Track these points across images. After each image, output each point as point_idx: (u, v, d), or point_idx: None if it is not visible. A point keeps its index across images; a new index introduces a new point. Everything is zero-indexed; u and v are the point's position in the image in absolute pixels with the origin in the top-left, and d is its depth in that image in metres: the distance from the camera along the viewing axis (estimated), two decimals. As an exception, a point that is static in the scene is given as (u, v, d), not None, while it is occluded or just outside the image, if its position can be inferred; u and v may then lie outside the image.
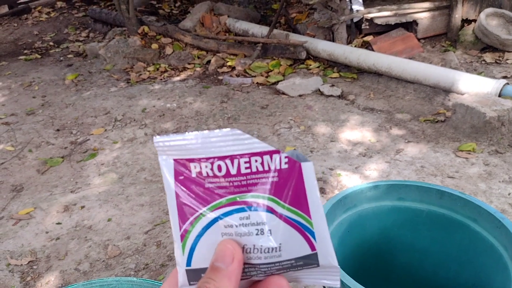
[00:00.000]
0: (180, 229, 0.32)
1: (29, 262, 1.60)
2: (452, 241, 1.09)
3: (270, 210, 0.32)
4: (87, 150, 2.30)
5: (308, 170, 0.33)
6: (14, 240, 1.71)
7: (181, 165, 0.32)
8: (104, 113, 2.69)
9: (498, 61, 2.94)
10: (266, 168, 0.32)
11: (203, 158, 0.32)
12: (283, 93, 2.77)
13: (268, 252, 0.32)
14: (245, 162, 0.32)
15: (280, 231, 0.32)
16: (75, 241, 1.68)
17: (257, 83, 2.97)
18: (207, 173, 0.32)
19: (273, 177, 0.32)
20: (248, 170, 0.32)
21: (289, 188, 0.32)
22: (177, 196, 0.32)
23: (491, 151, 2.01)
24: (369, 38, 3.18)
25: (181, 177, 0.32)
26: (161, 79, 3.17)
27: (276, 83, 2.92)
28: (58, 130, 2.55)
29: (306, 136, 2.26)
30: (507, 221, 0.95)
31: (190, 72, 3.26)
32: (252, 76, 3.07)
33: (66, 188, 2.00)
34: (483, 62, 2.96)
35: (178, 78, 3.16)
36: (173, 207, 0.32)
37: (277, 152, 0.32)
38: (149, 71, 3.32)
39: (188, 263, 0.32)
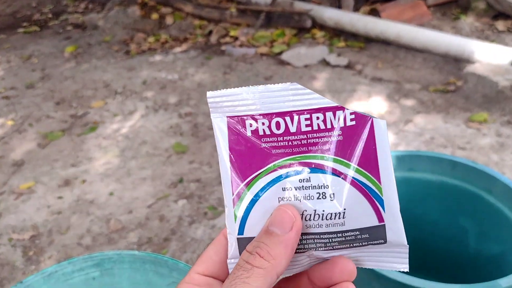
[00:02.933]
0: (233, 194, 0.29)
1: (31, 236, 1.58)
2: (465, 213, 1.05)
3: (334, 172, 0.28)
4: (88, 124, 2.26)
5: (381, 128, 0.29)
6: (16, 215, 1.68)
7: (235, 123, 0.30)
8: (104, 85, 2.64)
9: (510, 30, 2.84)
10: (329, 126, 0.29)
11: (260, 115, 0.29)
12: (288, 64, 2.70)
13: (331, 218, 0.28)
14: (306, 119, 0.29)
15: (344, 195, 0.28)
16: (77, 215, 1.66)
17: (260, 53, 2.89)
18: (263, 131, 0.29)
19: (337, 135, 0.29)
20: (309, 128, 0.29)
21: (357, 147, 0.28)
22: (231, 157, 0.29)
23: (504, 121, 1.95)
24: (377, 5, 3.08)
25: (235, 136, 0.29)
26: (161, 50, 3.10)
27: (281, 53, 2.83)
28: (58, 103, 2.50)
29: (312, 107, 2.20)
30: (524, 193, 0.91)
31: (192, 43, 3.18)
32: (256, 47, 2.98)
33: (67, 162, 1.97)
34: (495, 30, 2.85)
35: (179, 49, 3.09)
36: (225, 169, 0.29)
37: (341, 108, 0.28)
38: (149, 42, 3.24)
39: (241, 231, 0.29)
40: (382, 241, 0.29)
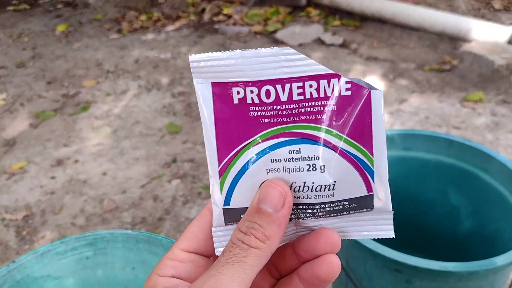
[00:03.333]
0: (219, 165, 0.28)
1: (24, 216, 1.57)
2: (460, 192, 1.05)
3: (325, 143, 0.27)
4: (80, 103, 2.23)
5: (378, 100, 0.27)
6: (8, 195, 1.67)
7: (220, 90, 0.27)
8: (96, 64, 2.60)
9: (507, 8, 2.82)
10: (322, 94, 0.27)
11: (248, 82, 0.27)
12: (282, 42, 2.66)
13: (320, 190, 0.27)
14: (298, 87, 0.27)
15: (335, 167, 0.27)
16: (70, 195, 1.65)
17: (254, 32, 2.85)
18: (252, 99, 0.27)
19: (331, 105, 0.27)
20: (301, 97, 0.27)
21: (351, 118, 0.27)
22: (216, 126, 0.28)
23: (499, 100, 1.94)
24: (372, -17, 3.03)
25: (221, 104, 0.28)
26: (154, 29, 3.04)
27: (275, 32, 2.80)
28: (49, 82, 2.46)
29: (306, 86, 2.18)
30: (519, 171, 0.90)
31: (185, 21, 3.12)
32: (250, 25, 2.94)
33: (59, 142, 1.95)
34: (491, 8, 2.83)
35: (172, 28, 3.03)
36: (210, 139, 0.28)
37: (337, 76, 0.27)
38: (141, 20, 3.18)
39: (227, 202, 0.28)
40: (369, 209, 0.29)
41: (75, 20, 3.34)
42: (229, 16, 3.10)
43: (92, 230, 1.49)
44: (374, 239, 0.72)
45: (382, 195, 0.28)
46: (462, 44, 2.32)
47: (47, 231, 1.50)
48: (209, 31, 2.95)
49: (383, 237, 0.29)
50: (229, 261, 0.25)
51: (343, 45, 2.58)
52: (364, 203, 0.28)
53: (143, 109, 2.13)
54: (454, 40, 2.39)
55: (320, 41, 2.64)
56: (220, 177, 0.28)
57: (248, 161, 0.28)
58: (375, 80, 2.19)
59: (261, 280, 0.30)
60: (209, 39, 2.81)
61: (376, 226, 0.29)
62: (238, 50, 0.27)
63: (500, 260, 0.69)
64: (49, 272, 0.66)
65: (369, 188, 0.28)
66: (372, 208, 0.29)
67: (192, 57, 0.27)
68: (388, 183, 0.29)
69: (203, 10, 3.24)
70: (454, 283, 0.72)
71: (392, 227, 0.29)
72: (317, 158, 0.27)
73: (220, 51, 0.27)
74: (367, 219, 0.29)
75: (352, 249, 0.82)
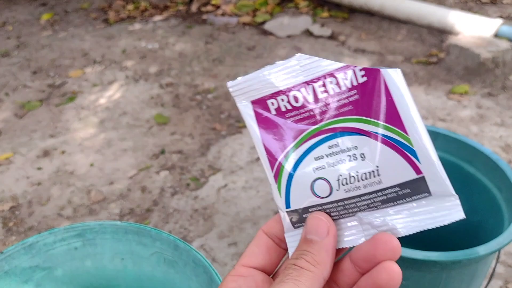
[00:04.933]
0: (272, 172, 0.31)
1: (10, 207, 1.56)
2: (445, 184, 1.06)
3: (358, 131, 0.28)
4: (66, 94, 2.20)
5: (393, 78, 0.28)
6: (-6, 186, 1.65)
7: (259, 106, 0.31)
8: (82, 54, 2.56)
9: (493, 1, 2.84)
10: (344, 87, 0.29)
11: (277, 92, 0.30)
12: (271, 34, 2.66)
13: (366, 178, 0.28)
14: (320, 86, 0.30)
15: (374, 152, 0.28)
16: (57, 186, 1.63)
17: (243, 23, 2.83)
18: (285, 107, 0.30)
19: (353, 95, 0.29)
20: (325, 94, 0.30)
21: (373, 102, 0.28)
22: (263, 138, 0.31)
23: (484, 93, 1.97)
24: (361, -25, 3.03)
25: (262, 118, 0.31)
26: (141, 19, 3.01)
27: (263, 23, 2.79)
28: (35, 72, 2.43)
29: (295, 78, 2.19)
30: (502, 163, 0.92)
31: (172, 11, 3.09)
32: (238, 16, 2.93)
33: (45, 133, 1.92)
34: (478, 2, 2.86)
35: (159, 18, 3.01)
36: (261, 150, 0.31)
37: (349, 67, 0.29)
38: (128, 10, 3.14)
39: (287, 204, 0.31)
40: (426, 194, 0.28)
41: (60, 8, 3.29)
42: (218, 7, 3.08)
43: (79, 221, 1.49)
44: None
45: (435, 176, 0.27)
46: (449, 37, 2.34)
47: (34, 222, 1.49)
48: (197, 21, 2.93)
49: (453, 221, 0.27)
50: (284, 280, 0.26)
51: (332, 37, 2.59)
52: (418, 188, 0.28)
53: (131, 100, 2.11)
54: (441, 32, 2.41)
55: (308, 33, 2.64)
56: (276, 182, 0.31)
57: (294, 164, 0.30)
58: (363, 72, 2.20)
59: None
60: (197, 29, 2.79)
61: (443, 212, 0.28)
62: (266, 66, 0.31)
63: (481, 249, 0.71)
64: (37, 263, 0.66)
65: (416, 170, 0.27)
66: (429, 193, 0.28)
67: (230, 83, 0.31)
68: (439, 163, 0.27)
69: (191, 0, 3.21)
70: (437, 272, 0.74)
71: (460, 208, 0.28)
72: (356, 147, 0.28)
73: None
74: (430, 208, 0.28)
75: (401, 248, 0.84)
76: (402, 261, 0.72)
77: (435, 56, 2.29)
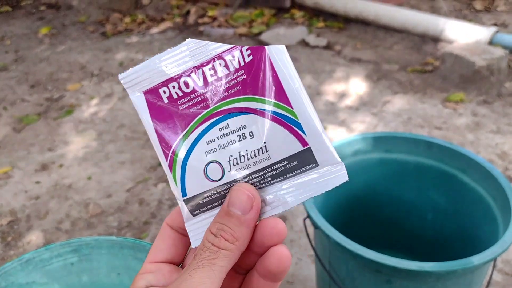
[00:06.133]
0: (167, 160, 0.30)
1: (9, 222, 1.56)
2: (440, 193, 1.07)
3: (246, 111, 0.29)
4: (64, 107, 2.21)
5: (277, 54, 0.28)
6: (-8, 201, 1.65)
7: (152, 96, 0.30)
8: (80, 67, 2.58)
9: (487, 9, 2.87)
10: (232, 68, 0.29)
11: (168, 80, 0.30)
12: (267, 44, 2.67)
13: (255, 155, 0.29)
14: (209, 69, 0.29)
15: (262, 129, 0.28)
16: (55, 200, 1.64)
17: (239, 34, 2.86)
18: (176, 94, 0.30)
19: (240, 75, 0.29)
20: (215, 77, 0.29)
21: (260, 80, 0.29)
22: (156, 128, 0.30)
23: (479, 101, 1.98)
24: (356, -15, 3.05)
25: (156, 107, 0.30)
26: (138, 31, 3.03)
27: (260, 33, 2.81)
28: (32, 86, 2.44)
29: (291, 88, 2.20)
30: (496, 172, 0.93)
31: (169, 23, 3.12)
32: (234, 27, 2.95)
33: (43, 147, 1.93)
34: (472, 9, 2.88)
35: (156, 30, 3.03)
36: (155, 140, 0.31)
37: (237, 47, 0.29)
38: (125, 22, 3.17)
39: (184, 192, 0.30)
40: (314, 164, 0.28)
41: (58, 22, 3.31)
42: (214, 18, 3.10)
43: (78, 235, 1.49)
44: (355, 241, 0.74)
45: (321, 147, 0.28)
46: (444, 45, 2.36)
47: (32, 237, 1.49)
48: (194, 33, 2.95)
49: (337, 185, 0.28)
50: (200, 264, 0.26)
51: (327, 47, 2.61)
52: (305, 159, 0.28)
53: (128, 113, 2.12)
54: (436, 41, 2.43)
55: (304, 43, 2.66)
56: (171, 171, 0.30)
57: (187, 151, 0.30)
58: (358, 82, 2.22)
59: (230, 278, 0.30)
60: (194, 41, 2.81)
61: (330, 178, 0.28)
62: (155, 55, 0.30)
63: (476, 259, 0.71)
64: (34, 279, 0.66)
65: (302, 142, 0.28)
66: (316, 163, 0.28)
67: (121, 76, 0.30)
68: (324, 133, 0.28)
69: (188, 12, 3.23)
70: (433, 282, 0.74)
71: (345, 173, 0.28)
72: (244, 127, 0.29)
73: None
74: (317, 174, 0.29)
75: (334, 251, 0.84)
76: (397, 272, 0.73)
77: (431, 65, 2.30)
